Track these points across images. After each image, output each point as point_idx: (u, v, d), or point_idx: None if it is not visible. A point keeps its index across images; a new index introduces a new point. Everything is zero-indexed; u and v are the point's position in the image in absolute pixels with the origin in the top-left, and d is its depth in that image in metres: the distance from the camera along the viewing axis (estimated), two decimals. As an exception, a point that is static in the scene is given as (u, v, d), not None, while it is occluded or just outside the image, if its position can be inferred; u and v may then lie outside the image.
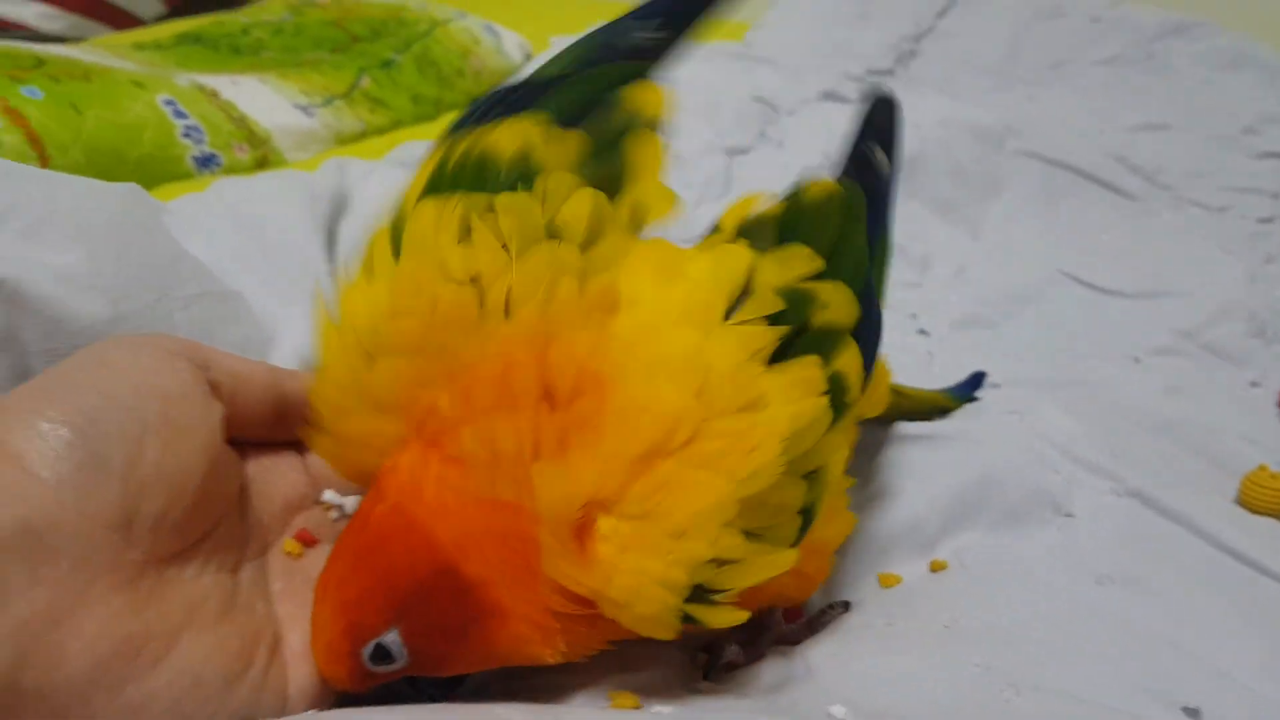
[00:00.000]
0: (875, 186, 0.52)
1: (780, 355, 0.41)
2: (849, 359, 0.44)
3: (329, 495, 0.49)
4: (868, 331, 0.47)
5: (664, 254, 0.44)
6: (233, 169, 0.92)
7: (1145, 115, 1.21)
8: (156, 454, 0.38)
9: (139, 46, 1.17)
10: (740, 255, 0.43)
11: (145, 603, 0.38)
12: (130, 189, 0.53)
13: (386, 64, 1.18)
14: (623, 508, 0.39)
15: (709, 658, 0.48)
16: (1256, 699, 0.48)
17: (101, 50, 1.11)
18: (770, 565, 0.41)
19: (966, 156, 1.03)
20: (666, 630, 0.40)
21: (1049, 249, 0.95)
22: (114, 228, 0.49)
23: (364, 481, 0.43)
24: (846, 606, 0.52)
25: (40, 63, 0.92)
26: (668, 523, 0.39)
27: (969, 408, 0.66)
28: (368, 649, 0.40)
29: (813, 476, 0.43)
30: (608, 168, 0.44)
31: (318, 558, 0.46)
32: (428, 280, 0.40)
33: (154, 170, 0.87)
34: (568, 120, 0.44)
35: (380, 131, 1.10)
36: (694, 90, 1.03)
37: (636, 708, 0.39)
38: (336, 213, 0.67)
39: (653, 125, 0.46)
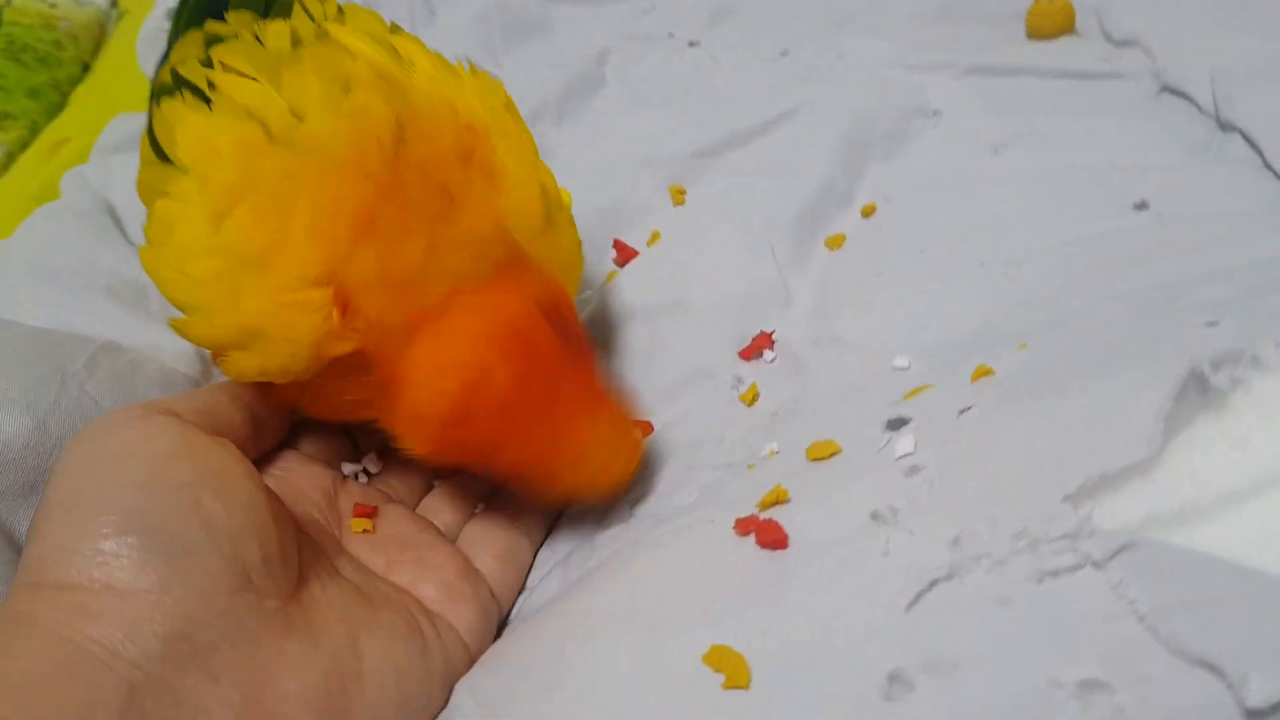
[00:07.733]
0: None
1: None
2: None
3: (347, 468, 0.49)
4: None
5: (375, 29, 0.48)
6: None
7: None
8: (218, 507, 0.37)
9: None
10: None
11: (312, 637, 0.38)
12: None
13: (-28, 74, 1.04)
14: None
15: None
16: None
17: None
18: None
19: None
20: None
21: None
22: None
23: None
24: None
25: None
26: None
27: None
28: None
29: None
30: None
31: (388, 522, 0.47)
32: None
33: None
34: None
35: (24, 145, 0.97)
36: None
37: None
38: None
39: None
